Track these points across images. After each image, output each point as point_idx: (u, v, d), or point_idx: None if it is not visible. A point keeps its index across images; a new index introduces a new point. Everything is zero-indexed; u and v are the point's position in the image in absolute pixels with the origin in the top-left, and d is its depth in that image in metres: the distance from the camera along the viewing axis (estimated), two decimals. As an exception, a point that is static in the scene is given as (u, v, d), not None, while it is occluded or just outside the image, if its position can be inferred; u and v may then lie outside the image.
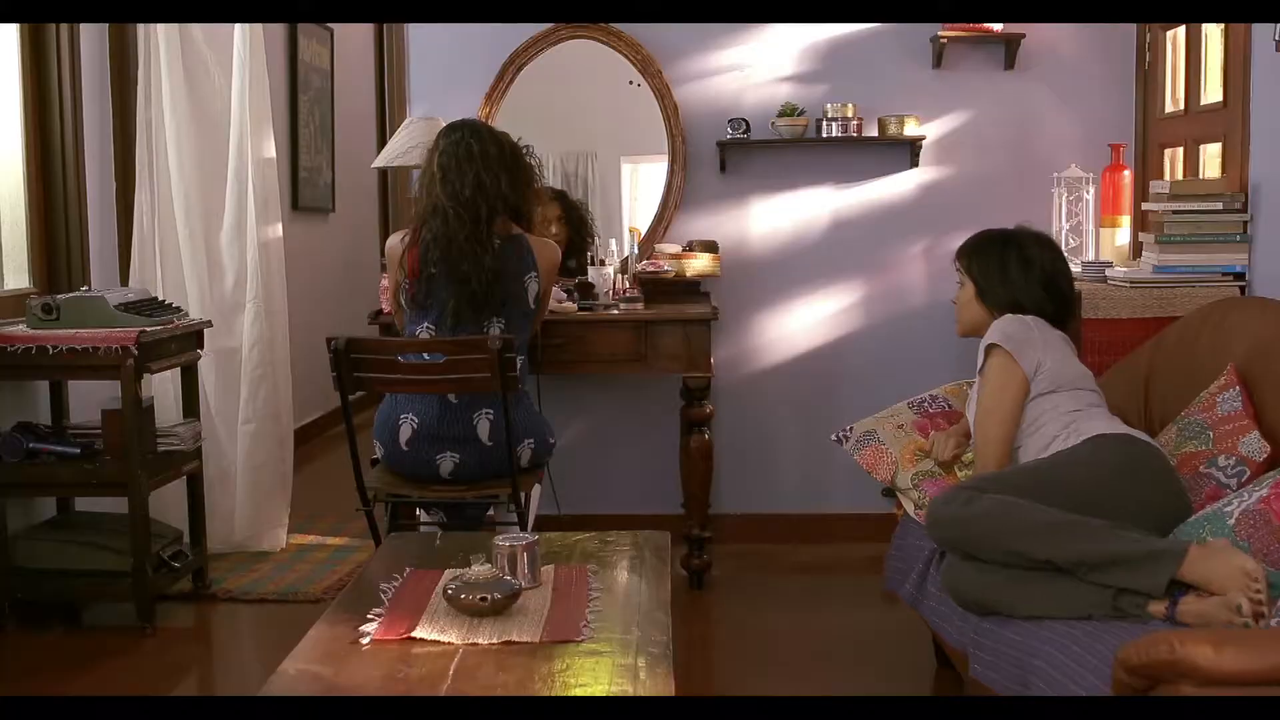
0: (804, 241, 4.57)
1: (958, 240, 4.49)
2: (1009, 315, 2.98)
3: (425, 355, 3.35)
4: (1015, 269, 3.02)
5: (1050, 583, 2.41)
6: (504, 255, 3.42)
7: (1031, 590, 2.43)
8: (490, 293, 3.39)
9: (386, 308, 3.93)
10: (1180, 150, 4.12)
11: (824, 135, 4.40)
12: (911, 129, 4.40)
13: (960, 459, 3.14)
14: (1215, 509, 2.43)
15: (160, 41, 4.25)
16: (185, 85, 4.33)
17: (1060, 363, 2.91)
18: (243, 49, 4.35)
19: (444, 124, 3.65)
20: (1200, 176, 3.92)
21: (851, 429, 3.30)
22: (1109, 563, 2.32)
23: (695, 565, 4.12)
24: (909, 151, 4.48)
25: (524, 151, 3.56)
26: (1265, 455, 2.67)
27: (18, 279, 4.10)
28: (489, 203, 3.40)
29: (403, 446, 3.41)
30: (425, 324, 3.44)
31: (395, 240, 3.55)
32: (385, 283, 3.84)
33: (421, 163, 3.63)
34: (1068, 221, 4.17)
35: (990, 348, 2.93)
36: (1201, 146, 3.97)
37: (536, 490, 3.64)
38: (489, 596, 2.23)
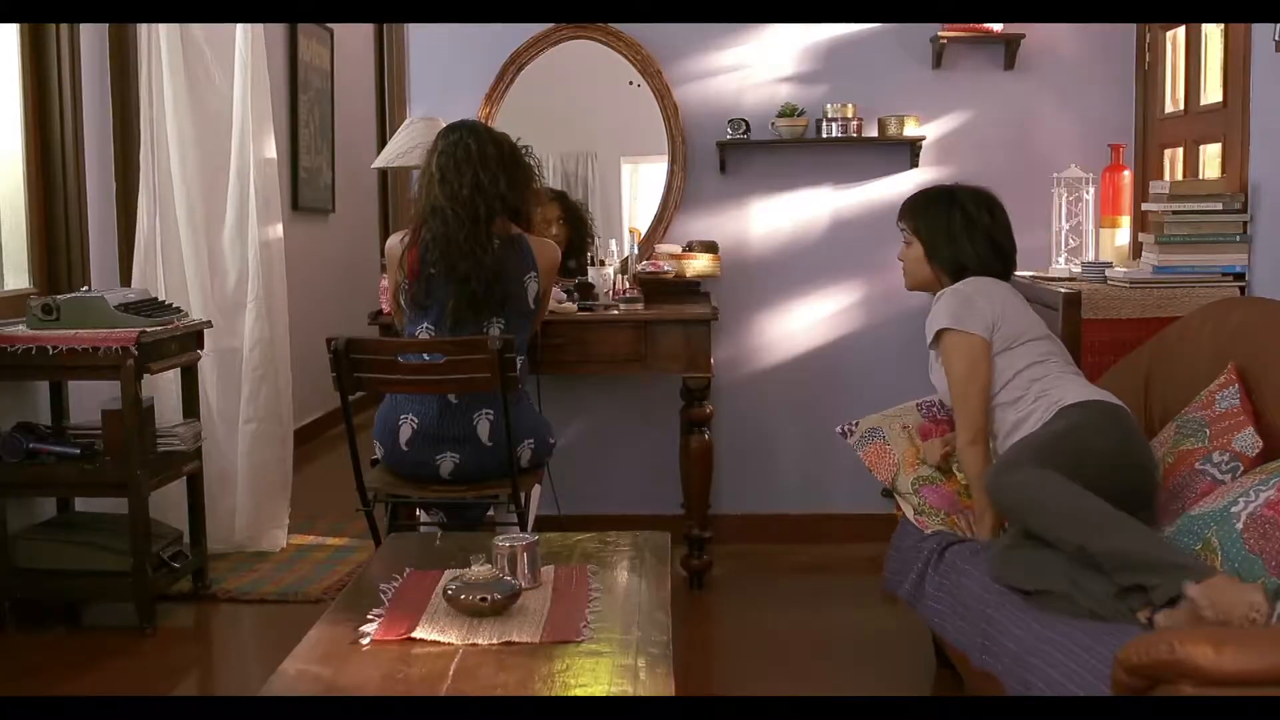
0: (804, 242, 4.57)
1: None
2: (947, 292, 3.07)
3: (425, 356, 3.35)
4: (959, 228, 3.12)
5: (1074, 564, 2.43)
6: (503, 255, 3.42)
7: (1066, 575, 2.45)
8: (490, 293, 3.39)
9: (386, 308, 3.93)
10: (1180, 150, 4.12)
11: (824, 135, 4.40)
12: (911, 129, 4.40)
13: (950, 456, 3.15)
14: (1221, 506, 2.41)
15: (161, 42, 4.25)
16: (186, 86, 4.33)
17: (1010, 320, 3.01)
18: (243, 50, 4.35)
19: (444, 125, 3.65)
20: (1200, 177, 3.92)
21: (857, 424, 3.31)
22: (1135, 564, 2.31)
23: (695, 566, 4.13)
24: (909, 152, 4.48)
25: (523, 152, 3.56)
26: (1257, 450, 2.67)
27: (18, 279, 4.10)
28: (487, 203, 3.40)
29: (403, 447, 3.41)
30: (425, 324, 3.44)
31: (395, 241, 3.55)
32: (385, 283, 3.84)
33: (421, 163, 3.63)
34: (1068, 222, 4.17)
35: (941, 332, 3.03)
36: (1201, 147, 3.97)
37: (536, 490, 3.64)
38: (489, 597, 2.23)
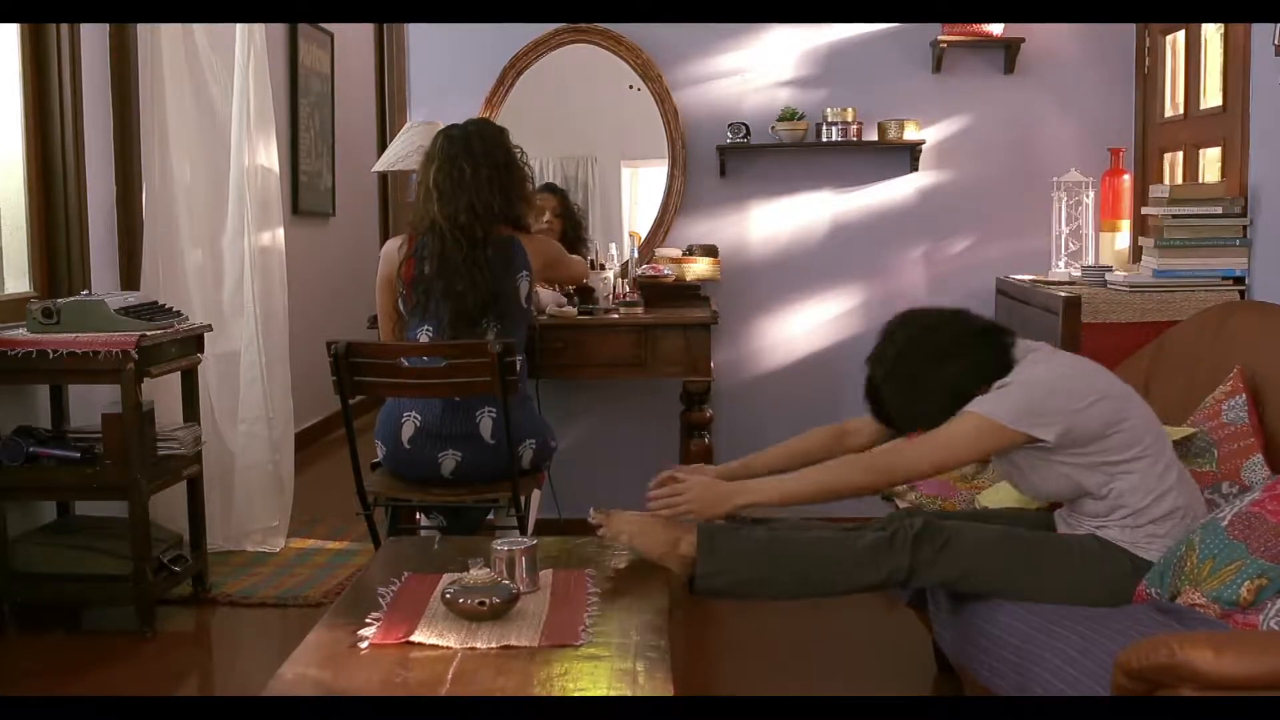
0: (804, 246, 4.57)
1: (958, 244, 4.56)
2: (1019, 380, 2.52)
3: (424, 359, 3.35)
4: (954, 366, 2.67)
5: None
6: (495, 259, 3.43)
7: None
8: (484, 308, 3.41)
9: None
10: (1180, 154, 4.12)
11: (824, 139, 4.41)
12: (911, 133, 4.40)
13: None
14: (1211, 519, 2.43)
15: (162, 46, 4.25)
16: (188, 89, 4.33)
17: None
18: (244, 54, 4.35)
19: (443, 129, 3.61)
20: (1200, 181, 3.93)
21: None
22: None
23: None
24: (909, 156, 4.48)
25: (518, 155, 3.54)
26: (1265, 479, 2.65)
27: (18, 283, 4.10)
28: (484, 226, 3.42)
29: (405, 444, 3.41)
30: (425, 328, 3.44)
31: (393, 247, 3.55)
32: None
33: (419, 168, 3.62)
34: (1067, 226, 4.17)
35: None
36: (1201, 150, 3.97)
37: (537, 495, 3.64)
38: (487, 600, 2.23)
